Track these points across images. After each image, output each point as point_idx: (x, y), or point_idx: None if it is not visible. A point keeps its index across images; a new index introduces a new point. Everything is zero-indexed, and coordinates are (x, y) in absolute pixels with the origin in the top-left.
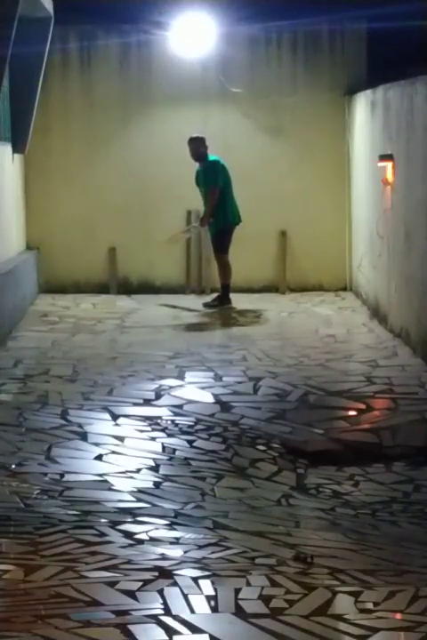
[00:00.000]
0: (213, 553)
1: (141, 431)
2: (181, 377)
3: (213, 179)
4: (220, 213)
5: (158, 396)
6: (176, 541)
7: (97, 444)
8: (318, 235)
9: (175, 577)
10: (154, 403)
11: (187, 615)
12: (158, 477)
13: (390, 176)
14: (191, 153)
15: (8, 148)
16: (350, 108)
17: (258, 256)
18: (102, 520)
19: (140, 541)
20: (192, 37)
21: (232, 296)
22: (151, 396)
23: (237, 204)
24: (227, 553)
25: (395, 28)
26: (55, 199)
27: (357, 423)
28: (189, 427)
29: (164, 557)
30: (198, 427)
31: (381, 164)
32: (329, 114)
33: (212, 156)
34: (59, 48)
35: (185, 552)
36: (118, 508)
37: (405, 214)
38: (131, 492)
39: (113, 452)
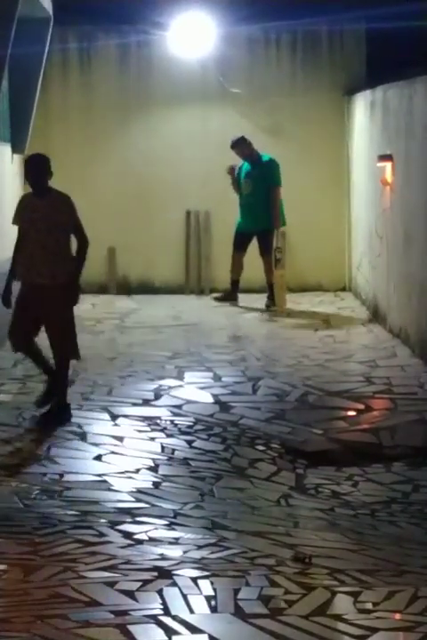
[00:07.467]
0: (212, 553)
1: (141, 431)
2: (180, 377)
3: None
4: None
5: (158, 397)
6: (175, 541)
7: (96, 445)
8: (317, 235)
9: (174, 577)
10: (153, 403)
11: (186, 615)
12: (157, 477)
13: (389, 176)
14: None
15: (8, 149)
16: (350, 108)
17: (258, 256)
18: (101, 520)
19: (140, 541)
20: (192, 37)
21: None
22: (150, 396)
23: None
24: (226, 553)
25: (394, 29)
26: None
27: (356, 423)
28: (189, 427)
29: (163, 557)
30: (198, 427)
31: (380, 164)
32: (328, 114)
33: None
34: (58, 48)
35: (184, 552)
36: (117, 508)
37: (404, 214)
38: (130, 493)
39: (112, 453)
